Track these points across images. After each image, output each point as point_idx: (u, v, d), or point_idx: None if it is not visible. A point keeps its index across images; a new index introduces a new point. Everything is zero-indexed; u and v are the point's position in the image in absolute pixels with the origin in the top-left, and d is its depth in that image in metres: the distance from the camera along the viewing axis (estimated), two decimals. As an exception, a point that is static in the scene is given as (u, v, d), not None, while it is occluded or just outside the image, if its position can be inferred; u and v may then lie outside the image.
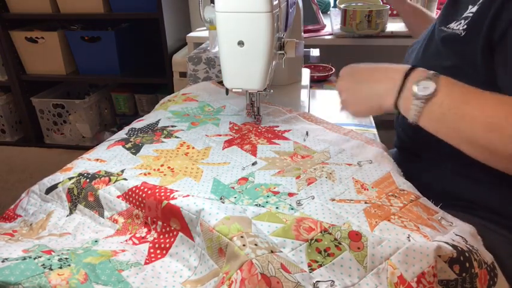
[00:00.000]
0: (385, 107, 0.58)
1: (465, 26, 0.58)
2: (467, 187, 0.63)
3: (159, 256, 0.49)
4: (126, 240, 0.51)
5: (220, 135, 0.73)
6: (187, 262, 0.47)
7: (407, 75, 0.54)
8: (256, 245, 0.42)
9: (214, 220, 0.45)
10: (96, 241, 0.51)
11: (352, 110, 0.65)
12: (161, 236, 0.50)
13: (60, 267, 0.43)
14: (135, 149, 0.67)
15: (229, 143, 0.70)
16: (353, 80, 0.64)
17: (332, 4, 2.06)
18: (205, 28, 1.91)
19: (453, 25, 0.62)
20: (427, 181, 0.64)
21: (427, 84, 0.52)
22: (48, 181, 0.60)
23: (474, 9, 0.58)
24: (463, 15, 0.60)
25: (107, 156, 0.65)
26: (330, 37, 1.71)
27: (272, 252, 0.42)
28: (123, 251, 0.48)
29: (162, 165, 0.61)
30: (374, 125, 0.85)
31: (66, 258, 0.45)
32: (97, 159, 0.64)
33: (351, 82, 0.65)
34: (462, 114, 0.50)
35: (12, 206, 0.62)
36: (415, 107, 0.52)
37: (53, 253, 0.46)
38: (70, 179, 0.58)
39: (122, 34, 2.04)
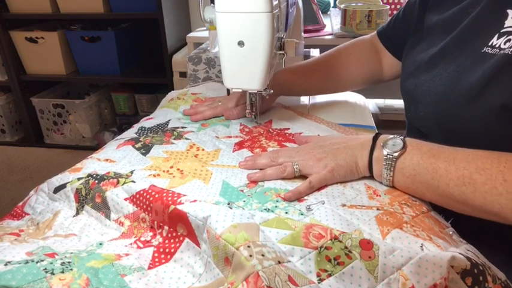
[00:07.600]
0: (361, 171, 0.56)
1: None
2: None
3: (163, 261, 0.47)
4: (131, 244, 0.50)
5: (230, 136, 0.72)
6: (192, 269, 0.46)
7: (375, 139, 0.56)
8: (263, 255, 0.41)
9: (221, 228, 0.44)
10: (100, 243, 0.50)
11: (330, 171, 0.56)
12: (166, 241, 0.49)
13: (62, 272, 0.42)
14: (145, 150, 0.66)
15: (239, 145, 0.69)
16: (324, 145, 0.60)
17: (332, 4, 2.06)
18: (205, 28, 1.91)
19: (497, 41, 0.52)
20: None
21: (395, 142, 0.53)
22: (57, 180, 0.60)
23: None
24: (506, 29, 0.52)
25: (117, 157, 0.64)
26: (330, 37, 1.71)
27: (280, 262, 0.40)
28: (126, 254, 0.47)
29: (171, 167, 0.60)
30: (374, 125, 0.85)
31: (69, 262, 0.44)
32: (107, 160, 0.64)
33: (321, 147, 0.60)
34: (434, 169, 0.49)
35: (21, 203, 0.61)
36: (386, 166, 0.53)
37: (56, 256, 0.45)
38: (79, 179, 0.58)
39: (122, 34, 2.04)
